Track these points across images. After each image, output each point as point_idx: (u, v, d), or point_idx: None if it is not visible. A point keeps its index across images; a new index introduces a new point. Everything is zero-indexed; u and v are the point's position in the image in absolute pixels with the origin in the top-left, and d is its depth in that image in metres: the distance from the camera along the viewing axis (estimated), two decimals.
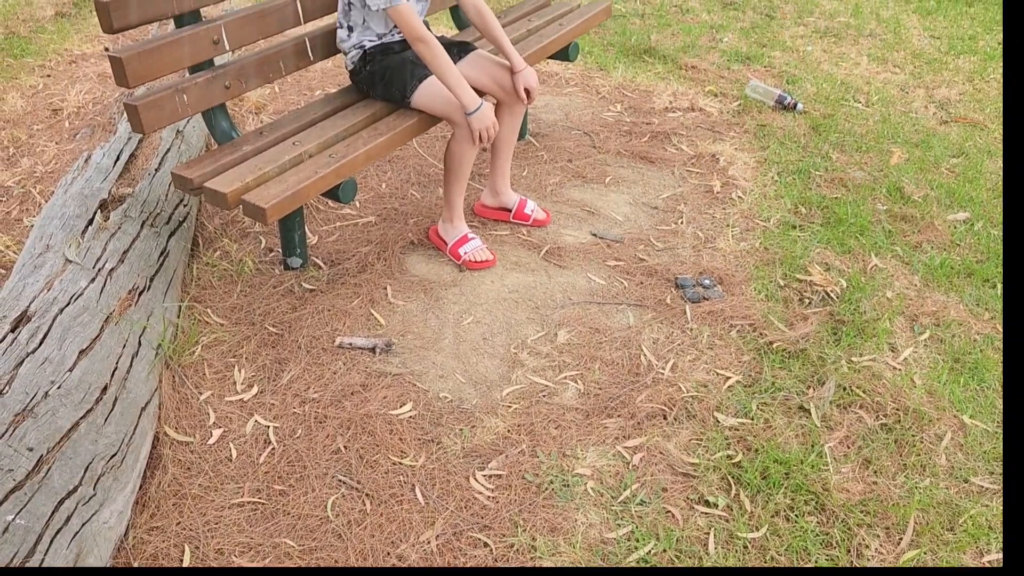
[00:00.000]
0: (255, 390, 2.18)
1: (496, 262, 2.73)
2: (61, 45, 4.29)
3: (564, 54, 3.35)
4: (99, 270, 2.19)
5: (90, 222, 2.38)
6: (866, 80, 4.10)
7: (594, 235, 2.92)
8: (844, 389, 2.20)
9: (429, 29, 2.81)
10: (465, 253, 2.71)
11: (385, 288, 2.60)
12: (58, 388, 1.76)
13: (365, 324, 2.44)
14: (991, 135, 3.59)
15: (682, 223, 2.98)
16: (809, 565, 1.74)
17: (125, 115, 3.35)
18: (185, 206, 2.76)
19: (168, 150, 2.94)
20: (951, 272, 2.69)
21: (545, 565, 1.73)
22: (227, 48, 2.49)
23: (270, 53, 2.61)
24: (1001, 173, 3.29)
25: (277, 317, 2.44)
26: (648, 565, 1.73)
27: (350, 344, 2.35)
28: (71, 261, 2.19)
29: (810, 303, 2.55)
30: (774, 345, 2.35)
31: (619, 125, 3.69)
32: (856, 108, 3.81)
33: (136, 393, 1.94)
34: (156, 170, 2.80)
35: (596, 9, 3.45)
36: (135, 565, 1.69)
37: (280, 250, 2.74)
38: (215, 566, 1.71)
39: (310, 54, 2.74)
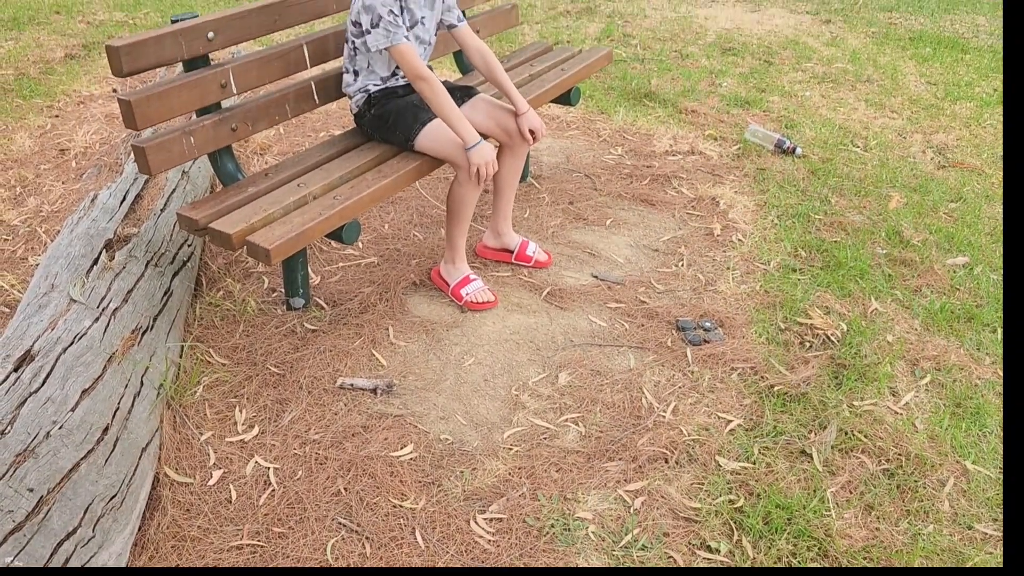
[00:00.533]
0: (256, 431, 2.18)
1: (498, 303, 2.75)
2: (70, 86, 4.35)
3: (566, 98, 3.40)
4: (103, 310, 2.20)
5: (95, 262, 2.40)
6: (864, 125, 4.15)
7: (595, 277, 2.94)
8: (846, 433, 2.19)
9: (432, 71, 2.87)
10: (467, 294, 2.73)
11: (387, 329, 2.61)
12: (60, 428, 1.76)
13: (367, 365, 2.44)
14: (988, 180, 3.62)
15: (683, 266, 3.00)
16: None
17: (132, 156, 3.39)
18: (189, 246, 2.78)
19: (174, 190, 2.98)
20: (951, 316, 2.70)
21: None
22: (234, 91, 2.53)
23: (276, 96, 2.66)
24: (1000, 218, 3.32)
25: (279, 357, 2.45)
26: None
27: (351, 385, 2.35)
28: (75, 301, 2.20)
29: (811, 347, 2.55)
30: (775, 389, 2.35)
31: (620, 168, 3.73)
32: (855, 153, 3.85)
33: (137, 433, 1.94)
34: (161, 210, 2.83)
35: (597, 55, 3.51)
36: None
37: (283, 290, 2.76)
38: None
39: (315, 97, 2.79)
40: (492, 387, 2.38)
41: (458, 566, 1.81)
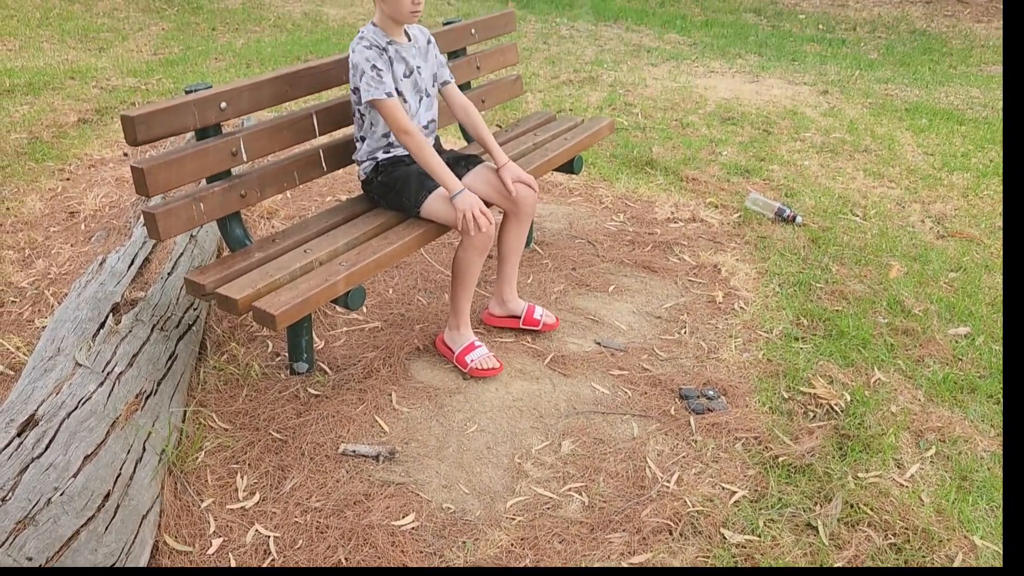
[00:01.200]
0: (257, 498, 2.16)
1: (502, 370, 2.75)
2: (81, 150, 4.44)
3: (569, 167, 3.46)
4: (108, 374, 2.21)
5: (102, 325, 2.42)
6: (863, 194, 4.21)
7: (598, 344, 2.95)
8: (851, 506, 2.17)
9: (438, 145, 2.93)
10: (471, 361, 2.73)
11: (390, 394, 2.61)
12: (61, 495, 1.75)
13: (369, 431, 2.44)
14: (988, 250, 3.66)
15: (685, 333, 3.01)
16: None
17: (141, 219, 3.43)
18: (195, 310, 2.80)
19: (181, 254, 3.01)
20: (954, 387, 2.70)
21: None
22: (244, 159, 2.58)
23: (285, 164, 2.71)
24: (1000, 288, 3.34)
25: (281, 423, 2.44)
26: None
27: (354, 451, 2.34)
28: (81, 365, 2.21)
29: (814, 416, 2.55)
30: (779, 459, 2.34)
31: (622, 234, 3.77)
32: (854, 222, 3.90)
33: (138, 500, 1.92)
34: (169, 274, 2.86)
35: (599, 125, 3.58)
36: None
37: (287, 355, 2.76)
38: None
39: (323, 165, 2.84)
40: (495, 455, 2.37)
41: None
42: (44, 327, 2.77)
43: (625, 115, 5.28)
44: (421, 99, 2.73)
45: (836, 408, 2.58)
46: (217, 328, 2.92)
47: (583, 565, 1.98)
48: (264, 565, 1.95)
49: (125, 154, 4.39)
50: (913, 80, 6.30)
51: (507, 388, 2.67)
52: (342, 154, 2.88)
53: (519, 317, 2.97)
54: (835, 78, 6.28)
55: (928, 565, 2.00)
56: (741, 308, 3.17)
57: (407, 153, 2.74)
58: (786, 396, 2.65)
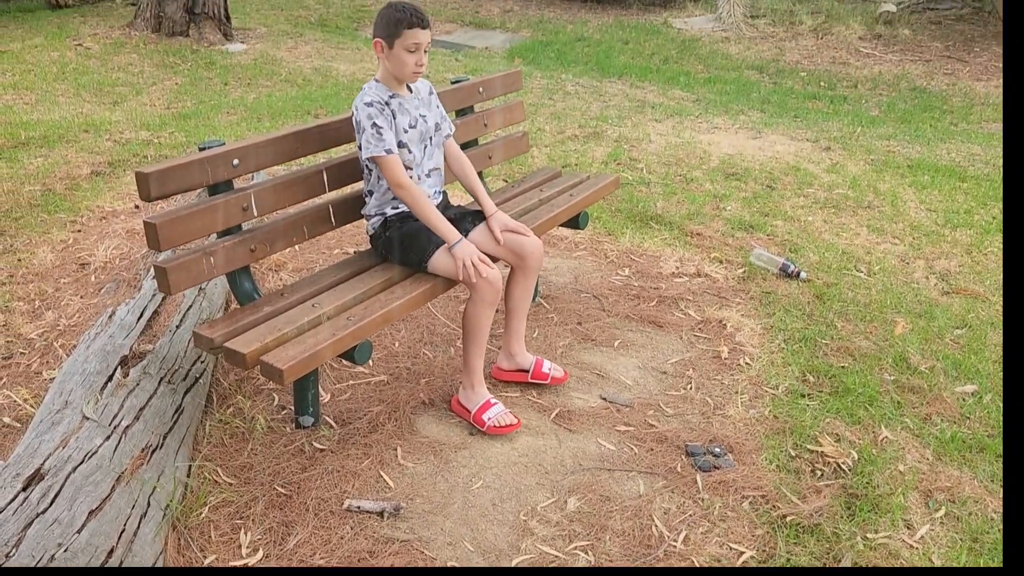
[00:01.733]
0: (260, 554, 2.14)
1: (520, 425, 2.73)
2: (94, 202, 4.50)
3: (575, 223, 3.50)
4: (115, 427, 2.21)
5: (110, 378, 2.43)
6: (867, 250, 4.24)
7: (604, 399, 2.94)
8: (861, 568, 2.14)
9: (446, 201, 2.96)
10: (489, 419, 2.71)
11: (395, 449, 2.60)
12: (65, 551, 1.74)
13: (374, 486, 2.43)
14: (993, 307, 3.67)
15: (691, 389, 3.01)
16: None
17: (151, 272, 3.47)
18: (202, 362, 2.81)
19: (190, 307, 3.03)
20: (963, 446, 2.69)
21: None
22: (255, 214, 2.62)
23: (295, 218, 2.75)
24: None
25: (286, 477, 2.44)
26: None
27: (359, 507, 2.32)
28: (88, 418, 2.21)
29: (822, 475, 2.53)
30: (787, 519, 2.32)
31: (627, 289, 3.79)
32: (858, 278, 3.92)
33: (141, 556, 1.91)
34: (177, 326, 2.88)
35: (605, 181, 3.63)
36: None
37: (293, 408, 2.76)
38: None
39: (332, 220, 2.88)
40: (500, 512, 2.35)
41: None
42: (52, 379, 2.78)
43: (629, 170, 5.35)
44: (425, 147, 2.78)
45: (844, 467, 2.56)
46: (224, 380, 2.93)
47: None
48: None
49: (136, 206, 4.45)
50: (915, 137, 6.38)
51: (513, 444, 2.66)
52: (351, 209, 2.92)
53: (528, 371, 2.97)
54: (837, 134, 6.36)
55: None
56: (747, 364, 3.17)
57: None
58: (793, 454, 2.63)
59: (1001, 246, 4.31)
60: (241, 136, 5.71)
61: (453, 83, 3.44)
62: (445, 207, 2.90)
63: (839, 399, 2.93)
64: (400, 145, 2.67)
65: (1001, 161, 5.77)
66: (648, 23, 10.84)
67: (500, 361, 3.01)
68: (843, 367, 3.13)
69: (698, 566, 2.15)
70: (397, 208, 2.78)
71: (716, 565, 2.15)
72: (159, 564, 2.00)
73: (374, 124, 2.57)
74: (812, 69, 8.88)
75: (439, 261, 2.66)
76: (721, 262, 4.06)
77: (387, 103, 2.64)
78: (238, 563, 2.11)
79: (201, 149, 2.56)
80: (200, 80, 7.37)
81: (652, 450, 2.65)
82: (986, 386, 3.03)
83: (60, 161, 5.08)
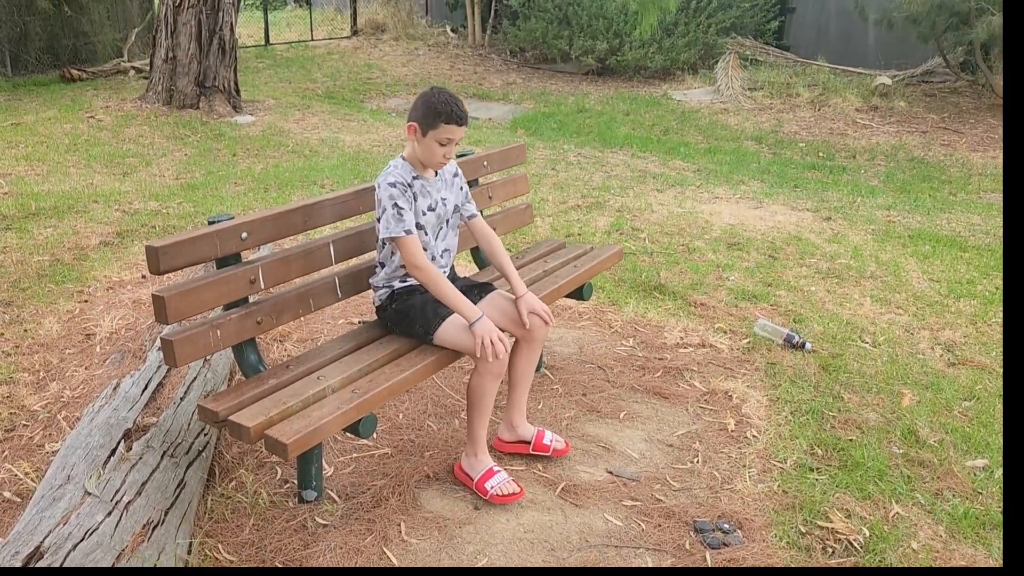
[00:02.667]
0: None
1: (524, 494, 2.71)
2: (101, 272, 4.53)
3: (579, 293, 3.52)
4: (116, 503, 2.19)
5: (113, 452, 2.41)
6: (871, 320, 4.24)
7: (610, 473, 2.91)
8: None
9: (453, 273, 2.98)
10: (492, 487, 2.69)
11: (399, 525, 2.56)
12: None
13: (377, 563, 2.38)
14: (1000, 379, 3.65)
15: (698, 462, 2.98)
16: None
17: (156, 343, 3.47)
18: (205, 435, 2.79)
19: (194, 379, 3.03)
20: (976, 523, 2.64)
21: None
22: (262, 287, 2.64)
23: (302, 291, 2.76)
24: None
25: (288, 555, 2.39)
26: None
27: None
28: (90, 493, 2.19)
29: (833, 553, 2.48)
30: None
31: (632, 359, 3.78)
32: (864, 348, 3.91)
33: None
34: (182, 399, 2.87)
35: (608, 252, 3.66)
36: None
37: (296, 482, 2.73)
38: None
39: (338, 292, 2.90)
40: None
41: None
42: (55, 452, 2.76)
43: (632, 240, 5.39)
44: (440, 229, 2.82)
45: (855, 544, 2.51)
46: (227, 453, 2.90)
47: None
48: None
49: (143, 276, 4.48)
50: (914, 207, 6.44)
51: (518, 519, 2.62)
52: (357, 281, 2.94)
53: (529, 443, 2.95)
54: (837, 204, 6.43)
55: None
56: (754, 436, 3.14)
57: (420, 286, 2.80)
58: (803, 530, 2.59)
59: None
60: (248, 206, 5.79)
61: (458, 157, 3.51)
62: (452, 279, 2.92)
63: (848, 473, 2.89)
64: (417, 227, 2.70)
65: (1001, 231, 5.82)
66: (648, 95, 11.07)
67: (502, 432, 2.99)
68: (851, 440, 3.10)
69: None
70: (406, 282, 2.80)
71: None
72: None
73: (395, 205, 2.60)
74: (810, 140, 9.03)
75: (446, 333, 2.67)
76: (725, 332, 4.06)
77: (410, 184, 2.67)
78: None
79: (210, 223, 2.59)
80: (209, 151, 7.50)
81: (660, 526, 2.60)
82: (997, 460, 3.00)
83: (69, 231, 5.13)
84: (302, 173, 6.77)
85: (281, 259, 2.70)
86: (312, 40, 14.78)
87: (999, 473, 2.92)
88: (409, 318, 2.76)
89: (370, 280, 2.90)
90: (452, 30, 15.21)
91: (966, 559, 2.45)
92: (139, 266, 4.64)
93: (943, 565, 2.43)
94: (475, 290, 2.89)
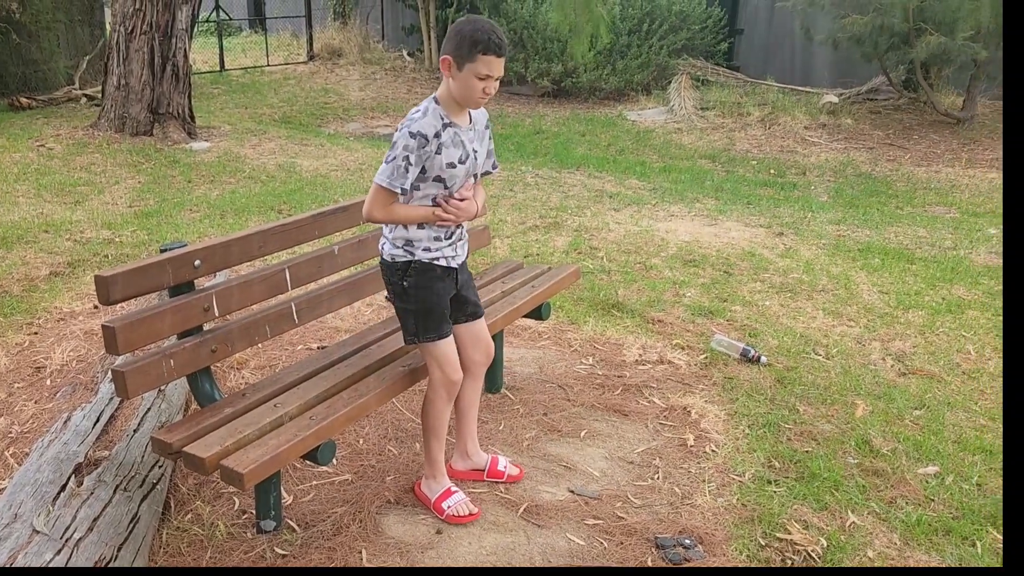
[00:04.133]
0: None
1: (480, 515, 2.70)
2: (51, 303, 4.44)
3: (537, 314, 3.54)
4: (66, 540, 2.13)
5: (63, 488, 2.35)
6: (824, 333, 4.32)
7: (571, 492, 2.92)
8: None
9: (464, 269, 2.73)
10: (448, 507, 2.69)
11: (360, 552, 2.54)
12: None
13: None
14: (948, 387, 3.74)
15: (658, 478, 3.00)
16: None
17: (108, 375, 3.40)
18: (160, 467, 2.74)
19: (148, 410, 2.97)
20: (929, 530, 2.70)
21: None
22: (216, 315, 2.61)
23: (258, 318, 2.74)
24: (964, 425, 3.40)
25: None
26: None
27: None
28: (38, 531, 2.13)
29: (792, 564, 2.51)
30: None
31: (592, 378, 3.80)
32: (817, 361, 3.98)
33: None
34: (135, 431, 2.81)
35: (565, 272, 3.69)
36: None
37: (254, 512, 2.69)
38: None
39: (296, 318, 2.87)
40: None
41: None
42: (2, 491, 2.69)
43: (590, 259, 5.44)
44: (467, 182, 2.58)
45: (814, 554, 2.55)
46: (182, 485, 2.85)
47: None
48: None
49: (96, 306, 4.39)
50: (863, 221, 6.60)
51: (480, 542, 2.61)
52: (314, 307, 2.93)
53: (483, 470, 2.94)
54: (789, 220, 6.56)
55: None
56: (713, 451, 3.18)
57: (441, 265, 2.57)
58: (763, 543, 2.62)
59: (953, 326, 4.43)
60: (204, 233, 5.72)
61: None
62: (461, 268, 2.68)
63: (805, 484, 2.93)
64: (437, 180, 2.46)
65: (947, 243, 5.99)
66: (604, 116, 11.21)
67: (455, 462, 2.96)
68: (807, 451, 3.15)
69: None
70: (430, 252, 2.55)
71: None
72: None
73: (407, 158, 2.37)
74: (762, 157, 9.21)
75: (435, 349, 2.59)
76: (683, 348, 4.11)
77: (439, 133, 2.41)
78: None
79: (162, 251, 2.57)
80: (163, 178, 7.40)
81: (622, 544, 2.61)
82: (947, 467, 3.07)
83: (18, 262, 5.02)
84: (259, 199, 6.72)
85: (236, 286, 2.67)
86: (268, 65, 14.71)
87: (950, 480, 2.98)
88: (411, 310, 2.58)
89: (385, 231, 2.62)
90: (409, 54, 15.26)
91: (920, 565, 2.50)
92: (91, 296, 4.55)
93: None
94: (468, 308, 2.73)
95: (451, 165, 2.46)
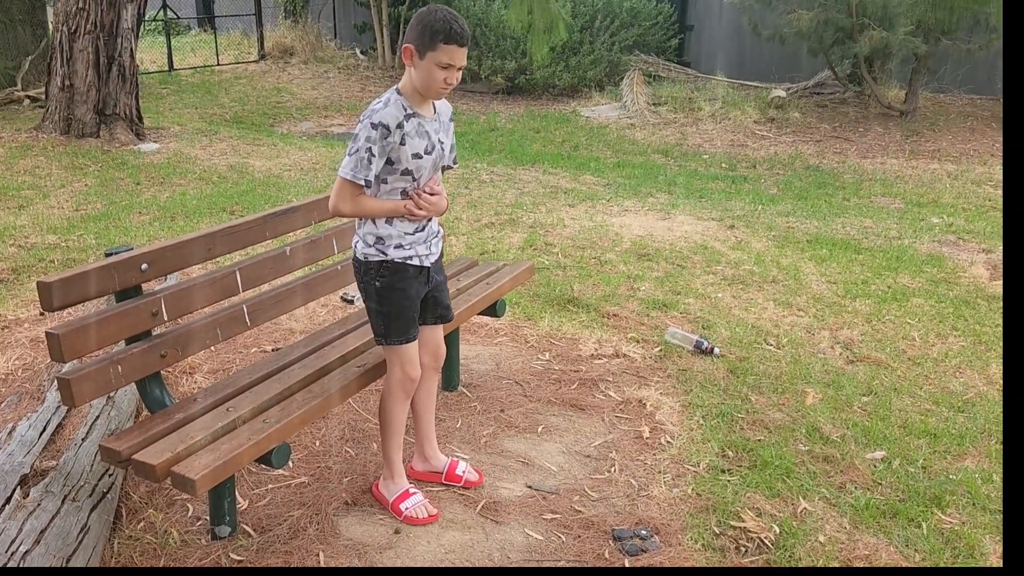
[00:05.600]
0: None
1: (439, 517, 2.71)
2: None
3: (492, 311, 3.55)
4: (12, 554, 2.09)
5: (8, 500, 2.30)
6: (774, 323, 4.40)
7: (529, 487, 2.93)
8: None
9: (440, 266, 2.72)
10: (406, 509, 2.69)
11: (317, 555, 2.52)
12: None
13: None
14: (894, 373, 3.84)
15: (615, 471, 3.03)
16: None
17: (55, 383, 3.33)
18: (110, 476, 2.69)
19: (97, 417, 2.92)
20: (877, 513, 2.77)
21: None
22: (165, 319, 2.57)
23: (208, 321, 2.70)
24: (910, 411, 3.49)
25: None
26: None
27: None
28: None
29: (746, 551, 2.56)
30: None
31: (548, 373, 3.82)
32: (768, 351, 4.06)
33: None
34: (83, 439, 2.76)
35: (519, 269, 3.70)
36: None
37: (208, 518, 2.66)
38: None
39: (247, 320, 2.84)
40: None
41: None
42: None
43: (546, 255, 5.46)
44: (435, 175, 2.57)
45: (767, 541, 2.60)
46: (134, 494, 2.80)
47: None
48: None
49: (42, 313, 4.29)
50: (811, 213, 6.73)
51: (439, 540, 2.61)
52: (267, 309, 2.90)
53: (441, 473, 2.93)
54: (740, 213, 6.66)
55: None
56: (668, 442, 3.22)
57: (413, 264, 2.55)
58: (717, 531, 2.66)
59: (898, 314, 4.55)
60: (154, 236, 5.62)
61: None
62: (437, 270, 2.68)
63: (758, 473, 2.99)
64: (405, 173, 2.44)
65: (892, 233, 6.13)
66: (558, 112, 11.26)
67: (415, 463, 2.96)
68: (759, 440, 3.21)
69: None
70: (402, 249, 2.52)
71: None
72: None
73: (369, 150, 2.35)
74: (713, 152, 9.33)
75: (396, 349, 2.58)
76: (638, 342, 4.15)
77: (402, 124, 2.39)
78: None
79: (107, 255, 2.52)
80: (111, 181, 7.25)
81: (579, 537, 2.64)
82: (894, 451, 3.15)
83: None
84: (210, 200, 6.62)
85: (185, 289, 2.63)
86: (218, 65, 14.48)
87: (896, 463, 3.07)
88: (381, 311, 2.55)
89: (357, 226, 2.59)
90: (362, 52, 15.15)
91: (869, 548, 2.57)
92: (37, 303, 4.44)
93: (847, 555, 2.54)
94: (439, 309, 2.73)
95: (417, 156, 2.44)
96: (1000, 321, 4.46)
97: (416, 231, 2.55)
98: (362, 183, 2.39)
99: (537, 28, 8.13)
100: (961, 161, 8.65)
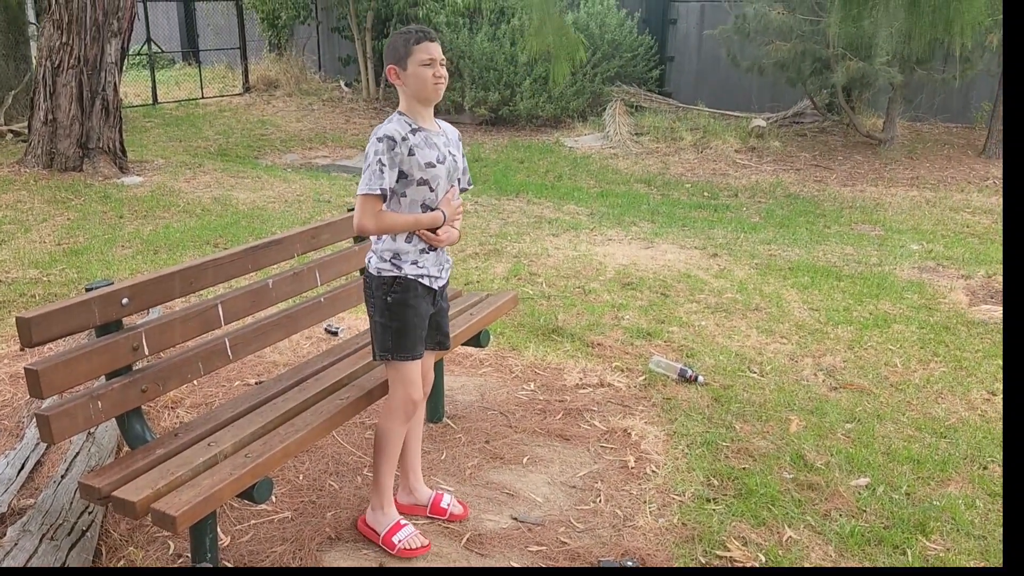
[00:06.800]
0: None
1: (431, 547, 2.68)
2: None
3: (476, 341, 3.54)
4: None
5: None
6: (758, 351, 4.42)
7: (515, 519, 2.92)
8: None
9: (443, 292, 2.76)
10: (399, 541, 2.66)
11: None
12: None
13: None
14: (877, 400, 3.86)
15: (600, 501, 3.02)
16: None
17: (34, 419, 3.29)
18: (90, 513, 2.66)
19: (77, 454, 2.88)
20: (862, 540, 2.77)
21: None
22: (147, 353, 2.55)
23: (189, 355, 2.68)
24: (893, 436, 3.50)
25: None
26: None
27: None
28: None
29: None
30: None
31: (533, 403, 3.82)
32: (752, 378, 4.07)
33: None
34: (63, 476, 2.72)
35: (503, 299, 3.71)
36: None
37: (190, 555, 2.62)
38: None
39: (229, 354, 2.83)
40: None
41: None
42: None
43: (530, 285, 5.48)
44: (451, 188, 2.62)
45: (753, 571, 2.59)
46: (114, 531, 2.76)
47: None
48: None
49: (22, 349, 4.25)
50: (793, 241, 6.79)
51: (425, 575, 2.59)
52: (249, 342, 2.88)
53: (426, 506, 2.92)
54: (722, 241, 6.71)
55: None
56: (653, 472, 3.21)
57: (423, 282, 2.59)
58: (703, 561, 2.65)
59: (880, 340, 4.58)
60: (137, 269, 5.59)
61: (350, 211, 3.50)
62: (443, 296, 2.75)
63: (743, 501, 2.99)
64: (421, 183, 2.50)
65: (873, 260, 6.20)
66: (541, 143, 11.35)
67: (399, 494, 2.94)
68: (744, 468, 3.21)
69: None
70: (417, 266, 2.57)
71: None
72: None
73: (379, 161, 2.42)
74: (695, 180, 9.43)
75: (398, 367, 2.59)
76: (623, 371, 4.16)
77: (407, 137, 2.46)
78: None
79: (88, 289, 2.50)
80: (94, 214, 7.22)
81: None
82: (878, 478, 3.16)
83: None
84: (194, 233, 6.60)
85: (166, 323, 2.62)
86: (203, 98, 14.51)
87: (881, 490, 3.07)
88: (388, 325, 2.57)
89: (374, 243, 2.63)
90: (346, 84, 15.24)
91: None
92: (16, 338, 4.40)
93: None
94: (439, 336, 2.77)
95: (430, 165, 2.51)
96: (980, 347, 4.50)
97: (431, 250, 2.61)
98: (378, 192, 2.43)
99: (558, 56, 8.28)
100: (939, 188, 8.77)
